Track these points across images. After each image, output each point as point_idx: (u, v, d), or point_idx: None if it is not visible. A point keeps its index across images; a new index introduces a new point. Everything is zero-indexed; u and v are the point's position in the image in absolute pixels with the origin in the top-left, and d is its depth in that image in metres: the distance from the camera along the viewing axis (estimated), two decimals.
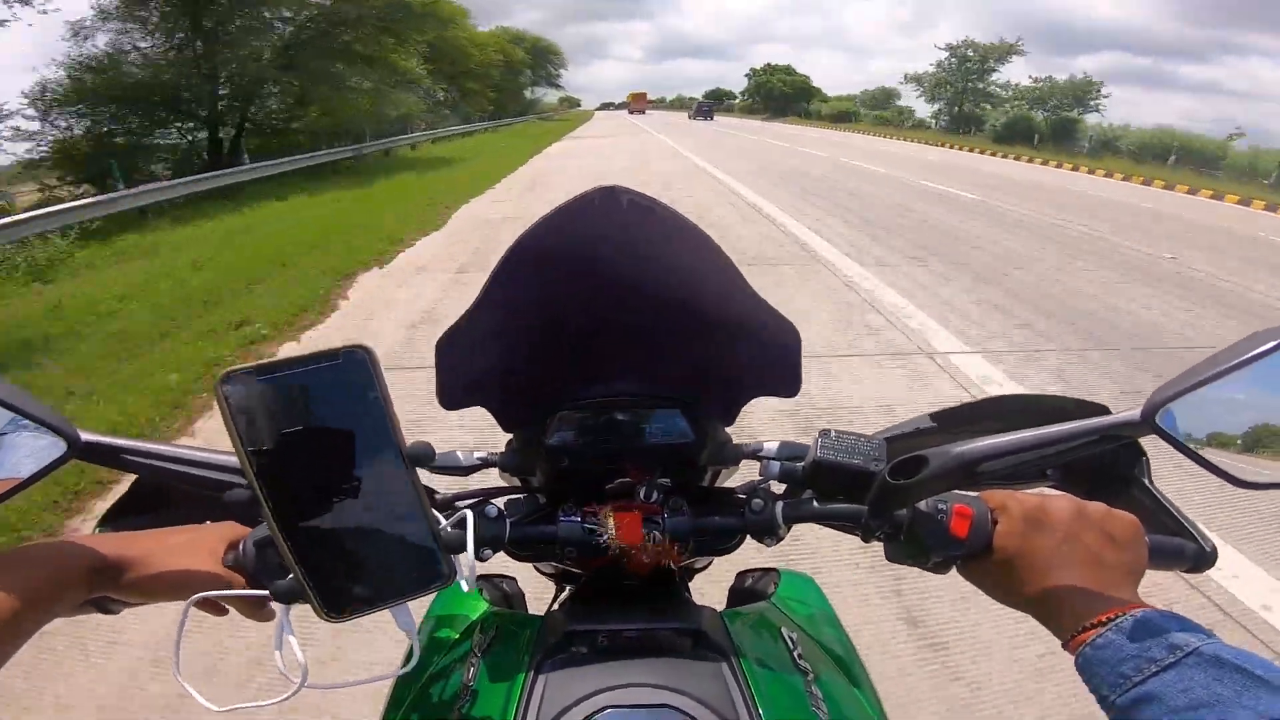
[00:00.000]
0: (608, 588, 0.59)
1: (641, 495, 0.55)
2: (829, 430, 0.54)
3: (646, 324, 0.54)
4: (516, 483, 0.61)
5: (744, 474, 0.62)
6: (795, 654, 0.54)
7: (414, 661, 0.47)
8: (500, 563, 0.59)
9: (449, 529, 0.47)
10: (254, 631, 1.28)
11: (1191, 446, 0.42)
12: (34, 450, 0.44)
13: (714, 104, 70.11)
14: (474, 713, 0.49)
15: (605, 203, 0.51)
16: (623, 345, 0.55)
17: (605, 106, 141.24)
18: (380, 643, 1.67)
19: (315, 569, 0.40)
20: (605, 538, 0.52)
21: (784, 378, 0.57)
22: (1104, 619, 0.40)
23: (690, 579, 0.67)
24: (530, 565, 0.63)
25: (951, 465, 0.46)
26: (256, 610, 0.47)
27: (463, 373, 0.55)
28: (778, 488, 0.56)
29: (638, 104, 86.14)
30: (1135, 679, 0.37)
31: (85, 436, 0.46)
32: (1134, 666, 0.37)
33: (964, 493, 0.48)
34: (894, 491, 0.47)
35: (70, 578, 0.42)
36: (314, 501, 0.40)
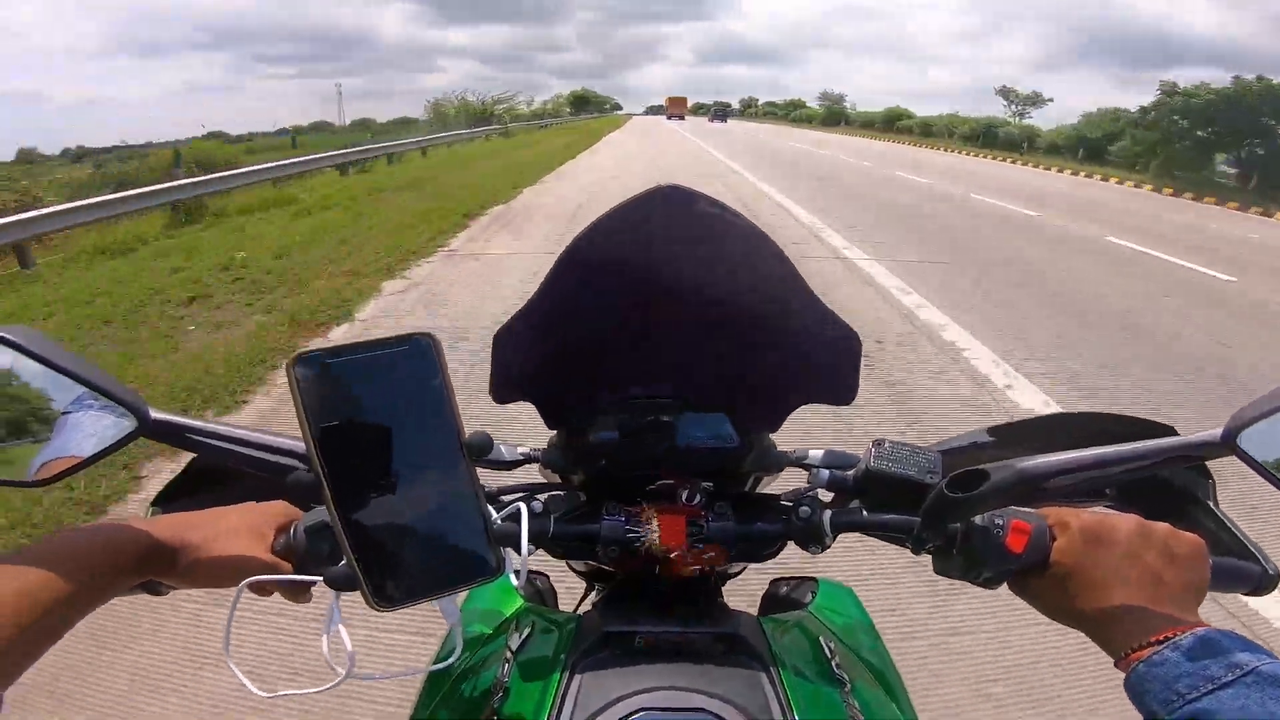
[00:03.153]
0: (641, 589, 0.60)
1: (683, 498, 0.56)
2: (882, 440, 0.55)
3: (697, 325, 0.56)
4: (556, 479, 0.63)
5: (785, 481, 0.63)
6: (833, 664, 0.54)
7: (456, 654, 0.50)
8: (533, 559, 0.61)
9: (500, 522, 0.48)
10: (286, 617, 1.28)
11: (1274, 472, 0.42)
12: (103, 425, 0.46)
13: (727, 109, 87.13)
14: (508, 709, 0.50)
15: (664, 202, 0.52)
16: (672, 346, 0.57)
17: (652, 110, 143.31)
18: (399, 640, 1.62)
19: (368, 557, 0.41)
20: (647, 539, 0.54)
21: (839, 384, 0.58)
22: (1162, 638, 0.41)
23: (723, 584, 0.67)
24: (560, 561, 0.64)
25: (1015, 480, 0.47)
26: (299, 595, 0.49)
27: (515, 367, 0.57)
28: (824, 495, 0.57)
29: (676, 109, 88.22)
30: (1189, 696, 0.37)
31: (155, 415, 0.48)
32: (1189, 684, 0.38)
33: (1020, 508, 0.49)
34: (952, 504, 0.48)
35: (123, 562, 0.44)
36: (371, 488, 0.41)
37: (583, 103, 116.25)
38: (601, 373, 0.58)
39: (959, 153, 29.65)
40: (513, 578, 0.46)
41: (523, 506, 0.49)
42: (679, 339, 0.57)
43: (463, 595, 0.45)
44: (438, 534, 0.43)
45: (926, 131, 41.85)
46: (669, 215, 0.53)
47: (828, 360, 0.58)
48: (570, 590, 0.73)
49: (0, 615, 0.37)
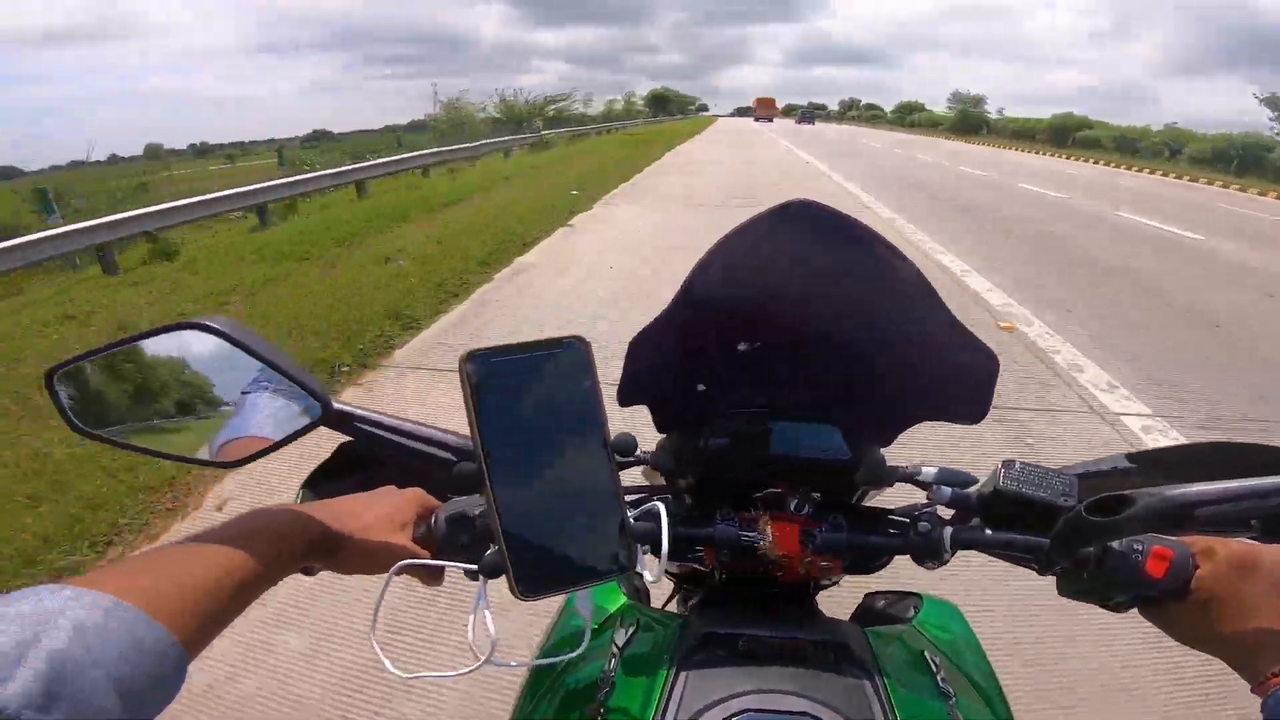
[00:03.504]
0: (740, 593, 0.62)
1: (792, 507, 0.58)
2: (1013, 461, 0.55)
3: (820, 339, 0.57)
4: (660, 481, 0.66)
5: (891, 497, 0.65)
6: (939, 677, 0.54)
7: (584, 646, 0.51)
8: None
9: (635, 520, 0.51)
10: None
11: None
12: (283, 410, 0.51)
13: (815, 112, 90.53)
14: (614, 703, 0.52)
15: (795, 216, 0.53)
16: (792, 357, 0.58)
17: (740, 111, 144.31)
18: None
19: (516, 547, 0.43)
20: (761, 545, 0.56)
21: (968, 404, 0.58)
22: None
23: (817, 593, 0.67)
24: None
25: (1161, 507, 0.47)
26: (434, 580, 0.54)
27: (640, 372, 0.60)
28: (943, 512, 0.57)
29: (765, 110, 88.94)
30: None
31: (336, 405, 0.52)
32: None
33: (1159, 535, 0.48)
34: (1091, 528, 0.48)
35: (298, 545, 0.47)
36: (523, 481, 0.43)
37: (661, 103, 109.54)
38: (717, 379, 0.60)
39: (1206, 182, 18.82)
40: (647, 575, 0.49)
41: (660, 506, 0.51)
42: (799, 350, 0.58)
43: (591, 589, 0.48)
44: (579, 529, 0.45)
45: (1124, 147, 28.63)
46: (800, 229, 0.53)
47: (960, 379, 0.58)
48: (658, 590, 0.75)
49: (197, 590, 0.40)
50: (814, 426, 0.60)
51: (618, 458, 0.50)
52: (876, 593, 0.76)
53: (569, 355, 0.44)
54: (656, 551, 0.51)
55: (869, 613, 0.73)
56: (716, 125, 54.17)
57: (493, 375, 0.42)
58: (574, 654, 0.52)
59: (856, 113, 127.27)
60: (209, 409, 0.52)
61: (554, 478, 0.45)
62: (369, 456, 0.62)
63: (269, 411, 0.51)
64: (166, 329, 0.49)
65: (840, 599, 0.69)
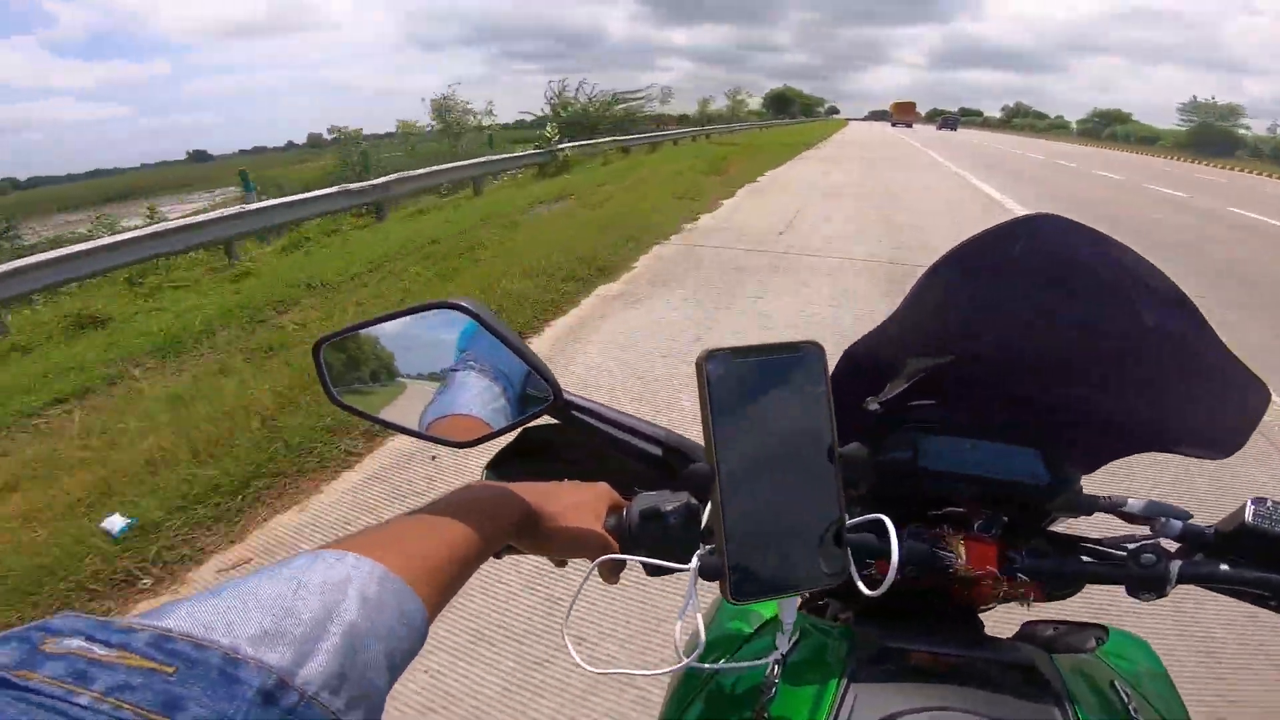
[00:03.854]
0: (903, 608, 0.59)
1: (977, 527, 0.56)
2: (1264, 499, 0.52)
3: (1046, 359, 0.55)
4: None
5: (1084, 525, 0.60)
6: (1130, 708, 0.51)
7: (783, 650, 0.52)
8: None
9: (859, 535, 0.50)
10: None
11: None
12: (490, 393, 0.53)
13: (958, 118, 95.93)
14: (777, 711, 0.51)
15: (1037, 230, 0.51)
16: (1007, 375, 0.56)
17: (874, 115, 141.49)
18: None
19: (736, 555, 0.44)
20: (955, 564, 0.54)
21: (1218, 437, 0.55)
22: None
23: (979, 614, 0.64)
24: None
25: None
26: (616, 575, 0.54)
27: (839, 378, 0.57)
28: (1169, 545, 0.54)
29: (903, 115, 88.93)
30: None
31: (566, 395, 0.53)
32: None
33: None
34: None
35: (508, 522, 0.48)
36: (747, 484, 0.44)
37: (782, 103, 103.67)
38: (917, 393, 0.59)
39: None
40: (862, 588, 0.47)
41: (887, 520, 0.48)
42: (1017, 368, 0.56)
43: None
44: (796, 535, 0.45)
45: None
46: (1038, 243, 0.51)
47: (1215, 411, 0.55)
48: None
49: (438, 560, 0.40)
50: (1011, 449, 0.57)
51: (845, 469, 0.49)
52: (1041, 621, 0.71)
53: (805, 360, 0.45)
54: (867, 564, 0.50)
55: (1036, 640, 0.69)
56: (847, 131, 49.48)
57: (729, 375, 0.43)
58: (770, 658, 0.52)
59: (1022, 119, 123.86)
60: (430, 381, 0.55)
61: (778, 483, 0.45)
62: (550, 445, 0.64)
63: (477, 391, 0.53)
64: (425, 307, 0.51)
65: (992, 626, 0.67)
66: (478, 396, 0.53)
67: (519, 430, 0.61)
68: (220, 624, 0.27)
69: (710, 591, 0.51)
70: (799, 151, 20.66)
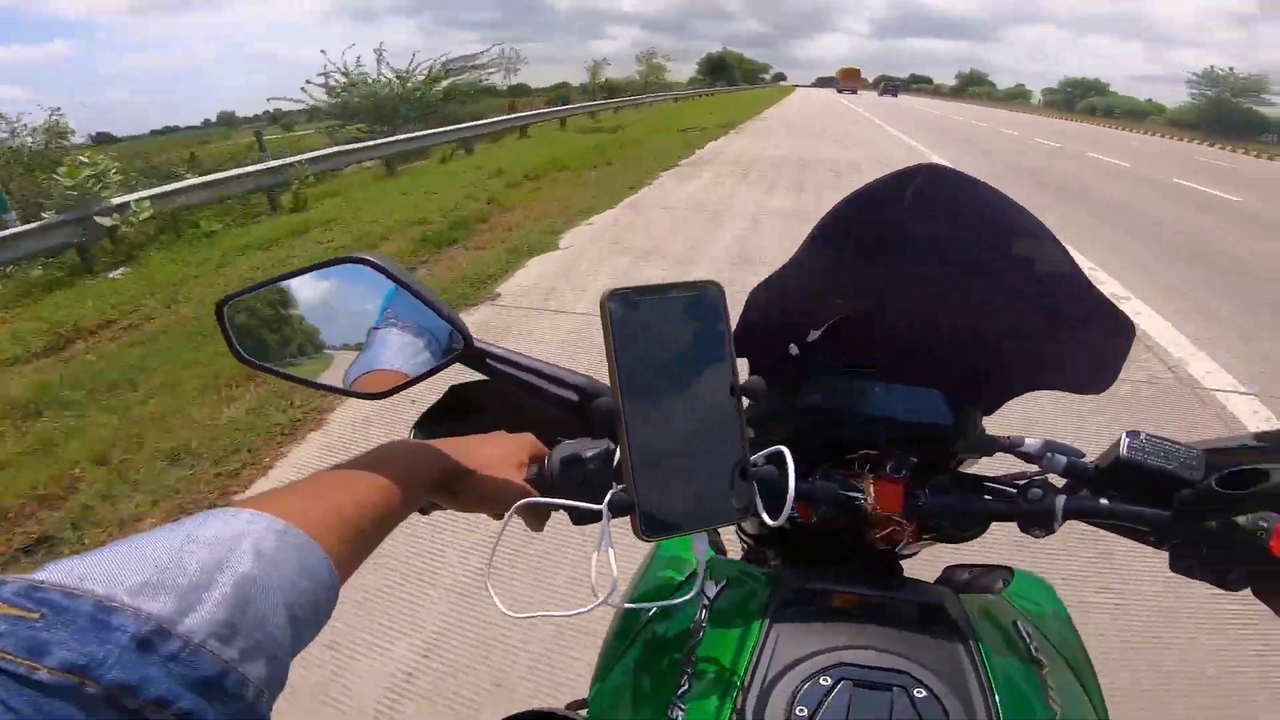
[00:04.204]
0: (825, 552, 0.72)
1: (889, 468, 0.68)
2: (1138, 432, 0.64)
3: (935, 302, 0.67)
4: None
5: (987, 466, 0.73)
6: (1031, 646, 0.64)
7: (696, 589, 0.61)
8: None
9: (763, 468, 0.60)
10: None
11: None
12: (413, 348, 0.60)
13: (899, 85, 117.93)
14: (704, 653, 0.62)
15: (922, 179, 0.62)
16: (902, 318, 0.69)
17: (822, 82, 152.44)
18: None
19: (645, 490, 0.51)
20: (863, 503, 0.66)
21: (1092, 373, 0.68)
22: None
23: (898, 560, 0.77)
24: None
25: None
26: (541, 523, 0.63)
27: (748, 322, 0.71)
28: (1057, 481, 0.66)
29: (848, 81, 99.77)
30: None
31: (476, 343, 0.60)
32: None
33: None
34: (1219, 501, 0.56)
35: (428, 477, 0.55)
36: (653, 421, 0.52)
37: (719, 69, 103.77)
38: (825, 338, 0.71)
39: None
40: (765, 517, 0.55)
41: (785, 450, 0.57)
42: (912, 313, 0.69)
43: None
44: (704, 472, 0.53)
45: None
46: (924, 192, 0.62)
47: (1087, 348, 0.67)
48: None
49: (349, 516, 0.45)
50: (915, 390, 0.70)
51: (746, 402, 0.56)
52: (957, 565, 0.85)
53: (705, 298, 0.53)
54: (774, 498, 0.58)
55: (952, 584, 0.82)
56: (790, 101, 50.40)
57: (632, 315, 0.51)
58: (689, 596, 0.61)
59: (979, 88, 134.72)
60: (353, 342, 0.62)
61: (682, 419, 0.53)
62: (477, 400, 0.73)
63: (398, 347, 0.60)
64: (330, 263, 0.59)
65: (917, 571, 0.79)
66: (399, 352, 0.60)
67: (447, 389, 0.72)
68: (98, 575, 0.30)
69: (638, 545, 0.59)
70: (708, 141, 16.33)
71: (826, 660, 0.58)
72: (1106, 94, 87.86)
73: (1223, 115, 50.37)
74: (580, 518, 0.59)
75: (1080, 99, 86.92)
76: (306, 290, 0.62)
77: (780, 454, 0.57)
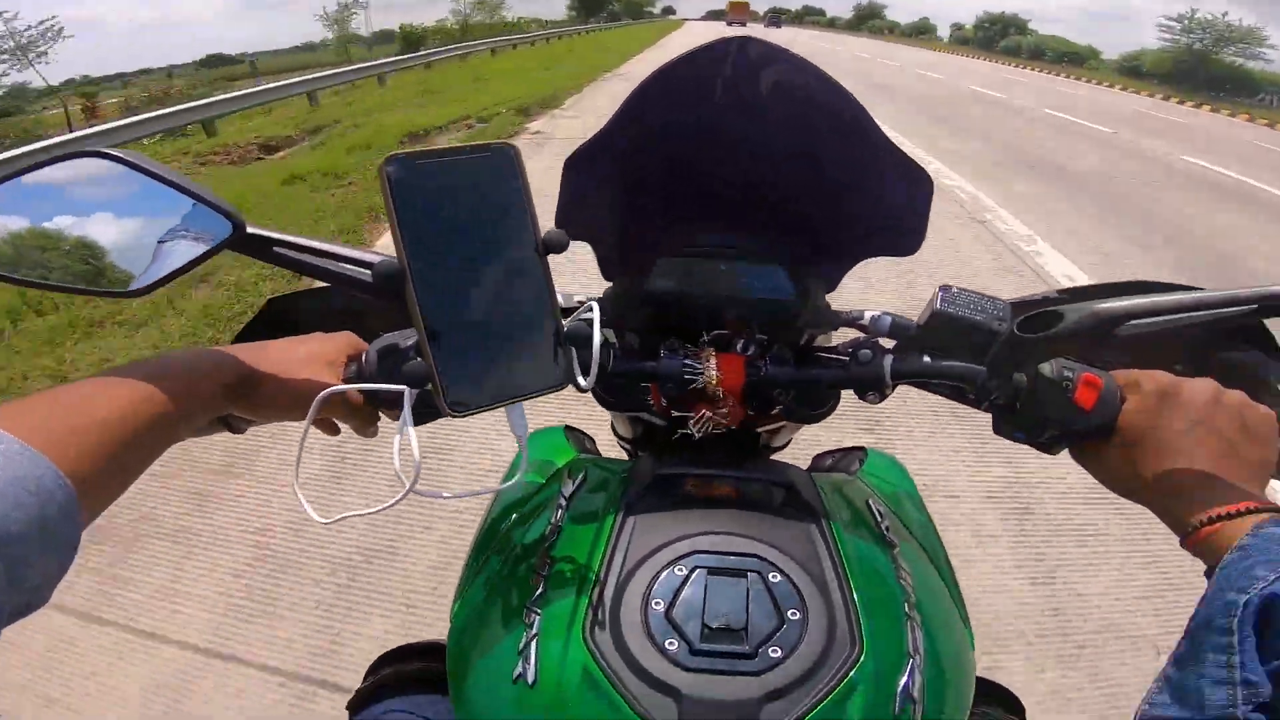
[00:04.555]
0: (691, 442, 0.79)
1: (739, 347, 0.76)
2: (950, 285, 0.71)
3: (764, 177, 0.74)
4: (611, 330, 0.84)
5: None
6: (883, 525, 0.72)
7: (522, 469, 0.67)
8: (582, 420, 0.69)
9: (575, 322, 0.61)
10: None
11: None
12: (188, 238, 0.61)
13: (781, 17, 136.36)
14: (560, 551, 0.66)
15: (739, 50, 0.65)
16: (736, 196, 0.76)
17: (712, 15, 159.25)
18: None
19: (445, 360, 0.53)
20: (705, 378, 0.72)
21: (904, 234, 0.74)
22: (1230, 511, 0.51)
23: (770, 454, 0.88)
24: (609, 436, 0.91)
25: (1090, 322, 0.61)
26: (367, 426, 0.66)
27: (581, 204, 0.74)
28: (887, 345, 0.75)
29: (738, 15, 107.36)
30: (1269, 579, 0.44)
31: (249, 228, 0.63)
32: (1268, 567, 0.45)
33: (1093, 367, 0.64)
34: (1022, 347, 0.64)
35: (207, 389, 0.55)
36: (451, 289, 0.53)
37: (595, 5, 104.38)
38: (661, 219, 0.77)
39: None
40: (580, 380, 0.59)
41: (594, 304, 0.62)
42: (742, 188, 0.75)
43: (529, 408, 0.60)
44: (513, 340, 0.56)
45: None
46: (739, 63, 0.66)
47: (894, 208, 0.74)
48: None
49: (95, 428, 0.45)
50: (760, 267, 0.77)
51: (550, 257, 0.60)
52: (825, 451, 1.00)
53: (498, 160, 0.55)
54: (582, 387, 0.62)
55: (818, 467, 0.96)
56: (670, 39, 48.89)
57: (415, 179, 0.52)
58: (508, 484, 0.71)
59: (881, 22, 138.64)
60: (117, 240, 0.62)
61: (485, 285, 0.55)
62: (305, 310, 0.77)
63: (172, 239, 0.61)
64: (60, 159, 0.59)
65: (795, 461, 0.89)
66: (174, 244, 0.61)
67: (265, 301, 0.77)
68: None
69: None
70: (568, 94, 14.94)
71: (684, 548, 0.63)
72: (1027, 32, 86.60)
73: (1201, 68, 48.54)
74: (391, 406, 0.64)
75: (1000, 37, 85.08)
76: (43, 192, 0.61)
77: (590, 308, 0.62)
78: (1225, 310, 0.57)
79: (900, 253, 0.75)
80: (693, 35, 55.89)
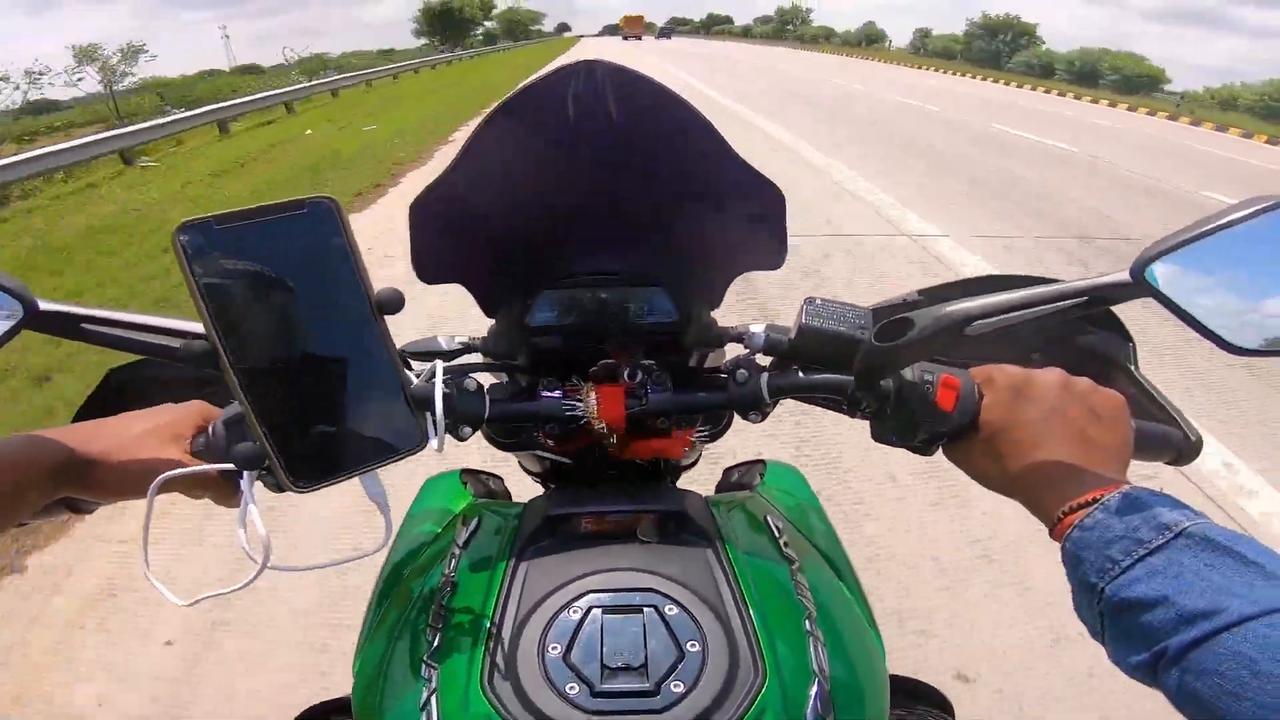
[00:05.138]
0: (593, 479, 0.79)
1: (625, 375, 0.74)
2: (814, 298, 0.71)
3: (630, 200, 0.73)
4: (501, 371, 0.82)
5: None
6: (781, 542, 0.72)
7: (390, 539, 0.64)
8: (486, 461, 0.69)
9: (420, 384, 0.59)
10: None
11: (1183, 307, 0.53)
12: None
13: (673, 29, 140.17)
14: (456, 603, 0.65)
15: (586, 75, 0.64)
16: (606, 222, 0.75)
17: (608, 30, 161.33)
18: None
19: (282, 434, 0.50)
20: (586, 413, 0.71)
21: (768, 248, 0.75)
22: (1091, 498, 0.52)
23: (678, 477, 0.87)
24: (518, 471, 0.88)
25: (937, 325, 0.61)
26: (226, 496, 0.61)
27: (442, 245, 0.73)
28: (764, 363, 0.75)
29: (632, 29, 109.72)
30: (1124, 563, 0.47)
31: (43, 305, 0.57)
32: (1122, 549, 0.47)
33: (949, 366, 0.66)
34: (880, 355, 0.63)
35: (32, 478, 0.53)
36: (278, 360, 0.50)
37: (449, 26, 79.60)
38: (534, 252, 0.76)
39: None
40: (433, 443, 0.57)
41: (438, 363, 0.60)
42: (611, 213, 0.74)
43: (397, 487, 0.59)
44: (356, 406, 0.53)
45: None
46: (589, 87, 0.65)
47: (755, 223, 0.74)
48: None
49: None
50: (638, 291, 0.76)
51: (387, 317, 0.57)
52: (732, 466, 0.99)
53: (314, 216, 0.51)
54: (462, 436, 0.63)
55: (724, 487, 0.96)
56: (570, 54, 45.16)
57: (217, 245, 0.48)
58: (374, 551, 0.65)
59: (793, 31, 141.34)
60: None
61: (315, 353, 0.52)
62: (153, 381, 0.71)
63: None
64: None
65: (702, 482, 0.89)
66: None
67: (103, 376, 0.71)
68: None
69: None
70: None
71: (577, 589, 0.62)
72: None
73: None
74: (216, 489, 0.60)
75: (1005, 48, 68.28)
76: None
77: (435, 369, 0.60)
78: (1060, 304, 0.58)
79: (766, 266, 0.76)
80: (585, 51, 52.21)
